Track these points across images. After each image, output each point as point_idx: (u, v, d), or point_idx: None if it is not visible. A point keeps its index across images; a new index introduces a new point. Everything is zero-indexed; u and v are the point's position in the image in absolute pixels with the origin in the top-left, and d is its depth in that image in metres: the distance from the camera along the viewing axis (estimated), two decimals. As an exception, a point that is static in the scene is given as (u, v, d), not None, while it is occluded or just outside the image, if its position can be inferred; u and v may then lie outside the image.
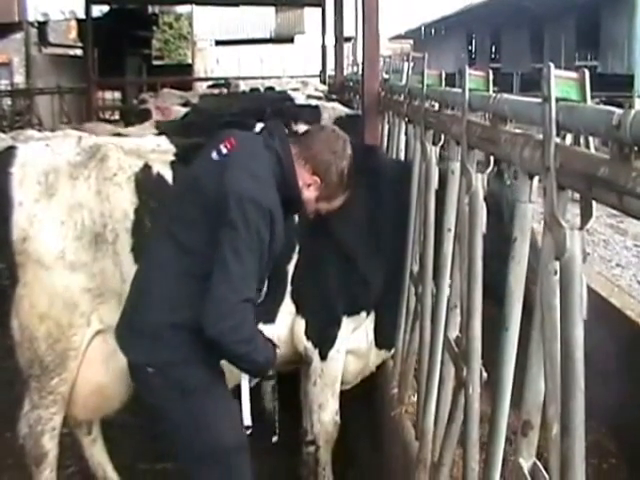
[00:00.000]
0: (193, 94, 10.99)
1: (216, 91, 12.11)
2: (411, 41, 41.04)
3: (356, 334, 4.52)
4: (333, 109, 7.70)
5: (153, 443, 5.38)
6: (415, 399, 4.39)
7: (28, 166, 4.02)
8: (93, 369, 4.14)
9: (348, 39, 15.46)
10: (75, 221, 3.99)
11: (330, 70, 15.08)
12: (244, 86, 12.67)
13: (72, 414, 4.28)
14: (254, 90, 11.42)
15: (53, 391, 4.09)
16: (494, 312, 2.86)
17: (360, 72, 11.82)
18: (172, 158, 4.24)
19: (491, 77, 3.06)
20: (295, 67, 20.76)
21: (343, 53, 12.05)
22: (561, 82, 2.10)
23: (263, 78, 14.81)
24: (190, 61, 27.54)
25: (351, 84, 10.64)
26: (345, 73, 12.34)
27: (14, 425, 5.61)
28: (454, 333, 3.22)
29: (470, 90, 3.05)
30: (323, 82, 14.14)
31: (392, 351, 4.63)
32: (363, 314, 4.47)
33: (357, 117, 7.05)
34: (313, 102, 8.28)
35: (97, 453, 4.73)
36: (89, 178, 4.04)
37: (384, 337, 4.57)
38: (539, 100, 2.25)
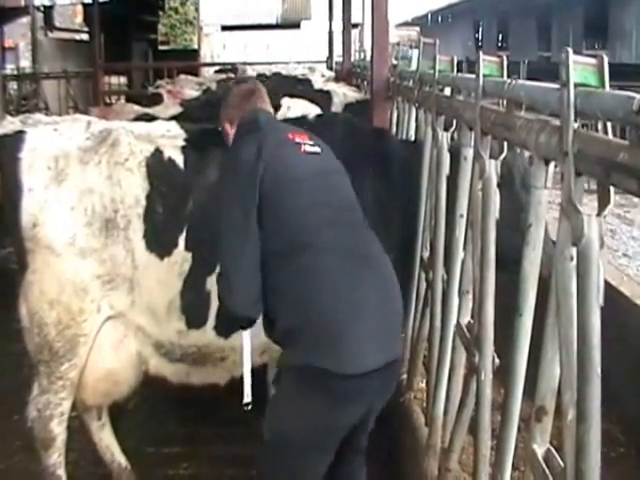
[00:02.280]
0: (211, 80, 10.92)
1: (223, 76, 12.04)
2: (417, 28, 40.82)
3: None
4: (344, 95, 7.67)
5: (159, 426, 5.44)
6: (424, 385, 4.41)
7: (37, 151, 3.98)
8: (103, 355, 4.12)
9: (355, 25, 15.33)
10: (85, 207, 3.94)
11: (337, 56, 15.01)
12: (251, 71, 12.64)
13: (81, 399, 4.25)
14: (261, 76, 11.37)
15: (62, 376, 4.07)
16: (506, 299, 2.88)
17: (368, 58, 11.83)
18: (183, 143, 4.21)
19: (505, 63, 3.06)
20: (301, 53, 20.66)
21: (351, 39, 11.99)
22: (579, 68, 2.09)
23: (270, 64, 14.81)
24: (196, 46, 27.43)
25: (358, 70, 10.60)
26: (352, 59, 12.27)
27: (22, 408, 5.63)
28: (466, 319, 3.22)
29: (484, 76, 3.04)
30: (330, 68, 14.10)
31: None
32: None
33: (365, 102, 7.02)
34: (326, 87, 8.24)
35: (105, 437, 4.72)
36: (100, 163, 3.99)
37: None
38: (556, 86, 2.25)
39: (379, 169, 4.46)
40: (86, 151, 4.01)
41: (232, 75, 12.25)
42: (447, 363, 3.53)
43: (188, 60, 23.41)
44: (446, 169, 3.93)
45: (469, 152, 3.35)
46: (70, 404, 4.19)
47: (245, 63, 14.70)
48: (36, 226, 3.91)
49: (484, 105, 3.04)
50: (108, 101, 17.50)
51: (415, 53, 5.43)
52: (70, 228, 3.93)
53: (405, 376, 4.47)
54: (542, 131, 2.30)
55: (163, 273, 3.99)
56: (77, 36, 28.06)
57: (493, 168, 2.98)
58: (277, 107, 5.49)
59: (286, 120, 4.73)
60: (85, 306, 3.98)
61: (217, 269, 3.37)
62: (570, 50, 2.08)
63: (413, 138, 5.23)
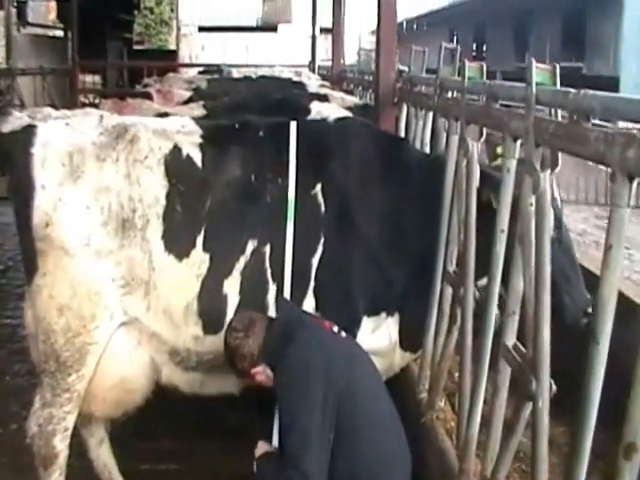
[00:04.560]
0: (200, 78, 10.69)
1: (208, 77, 11.82)
2: (393, 35, 40.75)
3: (377, 334, 4.33)
4: (342, 99, 7.49)
5: (154, 442, 5.23)
6: (443, 404, 4.25)
7: (50, 146, 3.76)
8: (115, 362, 3.91)
9: (329, 30, 15.11)
10: (102, 206, 3.74)
11: (320, 61, 14.86)
12: (236, 74, 12.41)
13: (90, 410, 4.03)
14: (247, 78, 11.17)
15: (69, 388, 3.84)
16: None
17: (348, 62, 11.65)
18: (200, 140, 4.04)
19: (558, 71, 2.92)
20: (280, 56, 20.45)
21: (341, 42, 11.81)
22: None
23: (256, 66, 14.58)
24: (174, 47, 27.18)
25: (351, 75, 10.41)
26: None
27: (6, 421, 5.40)
28: (512, 340, 3.05)
29: (537, 84, 2.90)
30: (312, 71, 13.92)
31: (418, 353, 4.46)
32: (383, 314, 4.29)
33: (366, 107, 6.85)
34: (322, 91, 8.06)
35: (103, 454, 4.50)
36: (118, 160, 3.80)
37: (410, 339, 4.39)
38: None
39: (399, 175, 4.31)
40: (102, 147, 3.80)
41: (216, 76, 12.01)
42: (483, 385, 3.36)
43: (165, 60, 23.13)
44: (476, 180, 3.77)
45: (512, 164, 3.19)
46: (74, 418, 3.97)
47: (231, 65, 14.44)
48: (49, 225, 3.69)
49: (537, 115, 2.89)
50: (83, 99, 17.21)
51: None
52: (85, 228, 3.72)
53: (424, 395, 4.29)
54: (630, 145, 2.13)
55: (181, 275, 3.84)
56: (50, 33, 27.64)
57: (548, 182, 2.82)
58: (308, 111, 5.31)
59: (306, 122, 4.59)
60: (98, 312, 3.77)
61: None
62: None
63: (428, 145, 5.08)
